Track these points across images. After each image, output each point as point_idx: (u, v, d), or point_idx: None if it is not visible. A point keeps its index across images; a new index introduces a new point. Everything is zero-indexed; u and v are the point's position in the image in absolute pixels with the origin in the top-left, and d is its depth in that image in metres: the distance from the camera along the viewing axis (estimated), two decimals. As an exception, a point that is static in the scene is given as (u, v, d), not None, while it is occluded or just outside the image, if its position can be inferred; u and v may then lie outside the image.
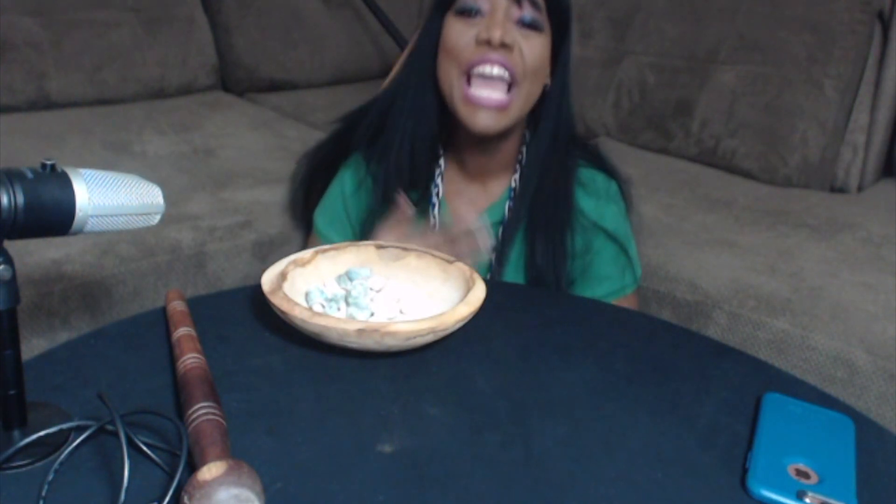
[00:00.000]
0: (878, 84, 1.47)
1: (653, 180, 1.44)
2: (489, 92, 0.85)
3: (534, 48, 0.86)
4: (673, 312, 1.12)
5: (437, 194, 0.96)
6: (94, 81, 1.67)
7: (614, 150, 1.61)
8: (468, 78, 0.86)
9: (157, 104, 1.72)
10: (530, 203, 0.93)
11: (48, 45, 1.60)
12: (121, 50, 1.71)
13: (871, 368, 0.96)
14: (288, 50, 1.99)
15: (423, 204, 0.96)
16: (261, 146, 1.51)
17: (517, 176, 0.95)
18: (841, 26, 1.43)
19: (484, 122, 0.86)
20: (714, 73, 1.56)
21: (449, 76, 0.88)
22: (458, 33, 0.87)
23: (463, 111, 0.87)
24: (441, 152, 0.97)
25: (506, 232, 0.94)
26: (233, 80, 1.94)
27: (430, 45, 0.90)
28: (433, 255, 0.77)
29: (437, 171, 0.96)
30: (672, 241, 1.20)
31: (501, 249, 0.94)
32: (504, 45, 0.84)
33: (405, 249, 0.78)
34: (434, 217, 0.95)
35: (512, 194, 0.95)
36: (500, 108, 0.86)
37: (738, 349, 0.74)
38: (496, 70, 0.84)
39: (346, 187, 0.99)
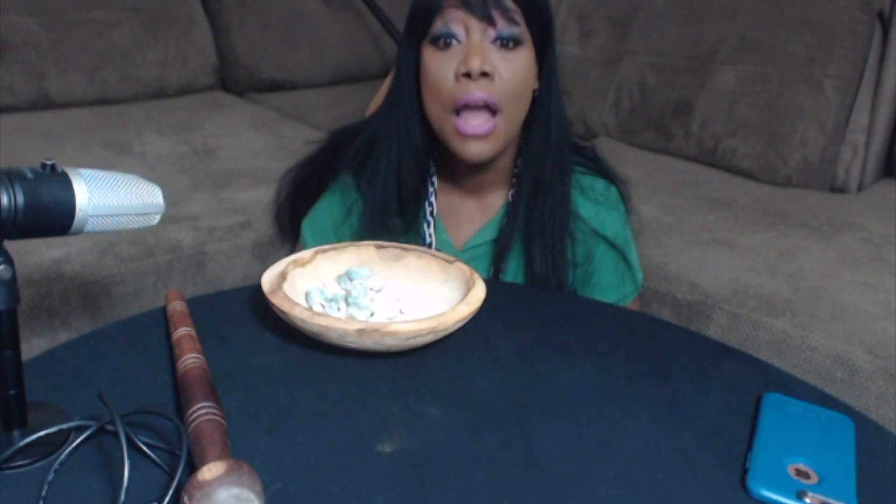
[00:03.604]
0: (878, 84, 1.47)
1: (653, 180, 1.44)
2: (477, 122, 0.84)
3: (515, 69, 0.84)
4: (673, 312, 1.12)
5: (432, 213, 0.95)
6: (94, 81, 1.67)
7: (614, 150, 1.61)
8: (456, 111, 0.85)
9: (157, 104, 1.73)
10: (526, 211, 0.92)
11: (48, 45, 1.60)
12: (121, 50, 1.71)
13: (871, 368, 0.96)
14: (288, 50, 1.99)
15: (417, 223, 0.94)
16: (261, 146, 1.51)
17: (514, 190, 0.94)
18: (841, 26, 1.43)
19: (474, 150, 0.86)
20: (714, 73, 1.56)
21: (436, 112, 0.87)
22: (438, 68, 0.85)
23: (454, 143, 0.86)
24: (433, 171, 0.96)
25: (501, 244, 0.93)
26: (233, 80, 1.95)
27: (409, 74, 0.89)
28: (433, 255, 0.77)
29: (430, 190, 0.95)
30: (672, 241, 1.20)
31: (498, 263, 0.92)
32: (484, 74, 0.82)
33: (405, 249, 0.78)
34: (430, 236, 0.94)
35: (508, 208, 0.94)
36: (488, 135, 0.85)
37: (738, 349, 0.74)
38: (478, 101, 0.83)
39: (335, 212, 0.97)
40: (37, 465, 0.51)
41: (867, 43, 1.45)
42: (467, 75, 0.82)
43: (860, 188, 1.50)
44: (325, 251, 0.76)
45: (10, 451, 0.51)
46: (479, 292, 0.69)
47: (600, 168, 0.97)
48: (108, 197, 0.53)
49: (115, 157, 1.36)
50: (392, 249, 0.78)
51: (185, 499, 0.44)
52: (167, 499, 0.46)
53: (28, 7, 1.61)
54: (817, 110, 1.43)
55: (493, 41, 0.84)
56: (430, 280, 0.76)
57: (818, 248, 1.18)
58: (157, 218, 0.59)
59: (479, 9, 0.82)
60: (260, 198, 1.25)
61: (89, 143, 1.42)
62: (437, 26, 0.84)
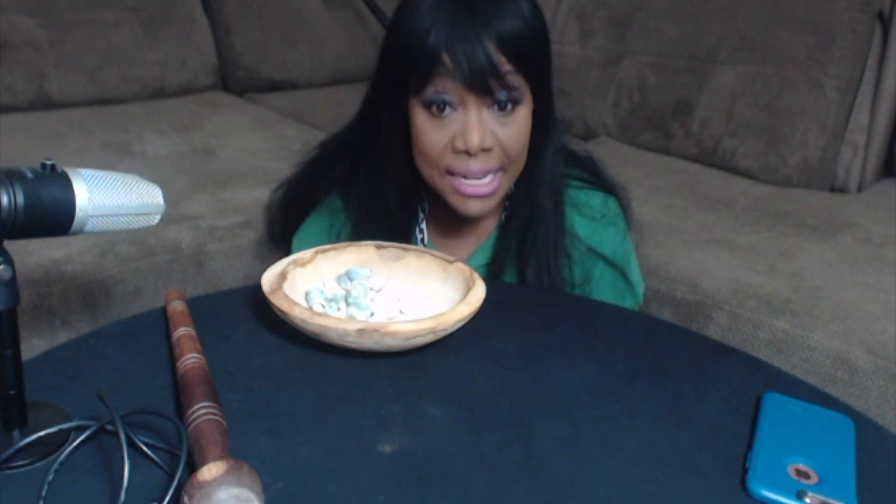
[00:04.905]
0: (878, 84, 1.47)
1: (653, 180, 1.44)
2: (477, 186, 0.81)
3: (514, 132, 0.80)
4: (673, 312, 1.12)
5: (423, 241, 0.93)
6: (94, 81, 1.67)
7: (614, 150, 1.61)
8: (451, 172, 0.82)
9: (157, 104, 1.73)
10: (519, 233, 0.89)
11: (48, 45, 1.60)
12: (121, 50, 1.71)
13: (871, 368, 0.96)
14: (288, 50, 1.99)
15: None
16: (261, 146, 1.51)
17: (507, 213, 0.92)
18: (841, 26, 1.43)
19: (476, 208, 0.83)
20: (714, 73, 1.56)
21: (430, 172, 0.83)
22: (432, 136, 0.80)
23: (452, 199, 0.84)
24: (423, 194, 0.93)
25: (495, 268, 0.90)
26: (233, 80, 1.94)
27: (394, 124, 0.84)
28: (433, 255, 0.77)
29: (421, 217, 0.93)
30: (672, 241, 1.20)
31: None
32: (484, 150, 0.79)
33: (405, 249, 0.78)
34: None
35: (501, 231, 0.92)
36: (491, 195, 0.83)
37: (738, 349, 0.74)
38: (479, 174, 0.81)
39: (323, 237, 0.94)
40: (37, 465, 0.51)
41: (867, 43, 1.45)
42: (466, 151, 0.79)
43: (860, 188, 1.50)
44: (325, 251, 0.76)
45: (10, 451, 0.51)
46: (479, 292, 0.69)
47: (597, 179, 0.94)
48: (108, 197, 0.53)
49: (115, 157, 1.36)
50: (392, 249, 0.78)
51: (185, 499, 0.44)
52: (167, 499, 0.46)
53: (28, 7, 1.61)
54: (817, 110, 1.43)
55: (491, 107, 0.79)
56: (430, 280, 0.76)
57: (818, 248, 1.18)
58: (157, 218, 0.59)
59: (476, 81, 0.76)
60: (260, 198, 1.24)
61: (89, 143, 1.42)
62: (430, 92, 0.78)
